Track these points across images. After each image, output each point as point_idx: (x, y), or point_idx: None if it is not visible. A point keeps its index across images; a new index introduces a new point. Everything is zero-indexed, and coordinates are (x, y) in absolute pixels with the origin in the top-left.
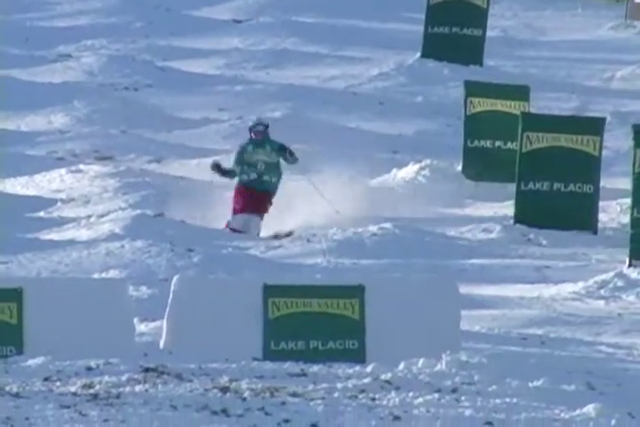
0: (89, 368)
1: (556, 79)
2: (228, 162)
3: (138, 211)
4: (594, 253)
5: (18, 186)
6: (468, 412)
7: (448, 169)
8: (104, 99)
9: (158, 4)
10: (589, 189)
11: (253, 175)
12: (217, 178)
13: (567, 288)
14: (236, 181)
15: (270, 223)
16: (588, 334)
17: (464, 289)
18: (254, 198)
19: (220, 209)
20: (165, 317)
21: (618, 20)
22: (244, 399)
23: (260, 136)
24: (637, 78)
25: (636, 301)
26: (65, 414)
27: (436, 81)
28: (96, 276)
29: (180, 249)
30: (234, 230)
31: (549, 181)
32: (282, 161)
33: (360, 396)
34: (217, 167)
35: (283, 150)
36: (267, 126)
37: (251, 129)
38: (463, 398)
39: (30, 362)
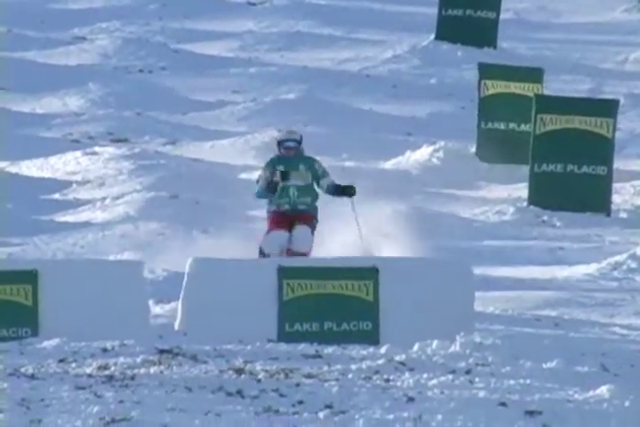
0: (104, 350)
1: (570, 61)
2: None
3: (152, 193)
4: (607, 235)
5: (33, 168)
6: (481, 393)
7: (462, 151)
8: (119, 81)
9: None
10: (603, 170)
11: (286, 206)
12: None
13: (581, 270)
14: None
15: None
16: (601, 315)
17: (478, 271)
18: (293, 218)
19: (235, 191)
20: (180, 299)
21: (631, 2)
22: (259, 381)
23: (292, 154)
24: None
25: None
26: (80, 395)
27: (450, 63)
28: (111, 258)
29: (195, 231)
30: (262, 254)
31: (563, 163)
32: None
33: (374, 377)
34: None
35: (316, 177)
36: (299, 141)
37: (279, 143)
38: (477, 379)
39: (45, 344)
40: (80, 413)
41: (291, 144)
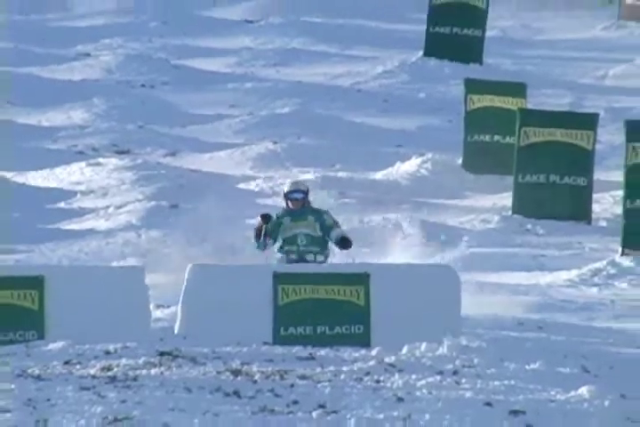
0: (107, 352)
1: (552, 77)
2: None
3: (153, 202)
4: (588, 243)
5: (39, 178)
6: (468, 394)
7: (449, 162)
8: (122, 96)
9: (172, 5)
10: (584, 181)
11: (293, 256)
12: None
13: (562, 276)
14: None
15: None
16: (582, 319)
17: (464, 277)
18: None
19: (233, 200)
20: (180, 303)
21: (610, 20)
22: (255, 382)
23: (299, 206)
24: (629, 76)
25: (627, 288)
26: (84, 395)
27: (438, 79)
28: (114, 264)
29: (194, 239)
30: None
31: (545, 174)
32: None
33: (365, 378)
34: (265, 220)
35: (325, 228)
36: (306, 192)
37: (286, 196)
38: (464, 380)
39: (51, 346)
40: (84, 412)
41: (297, 195)
